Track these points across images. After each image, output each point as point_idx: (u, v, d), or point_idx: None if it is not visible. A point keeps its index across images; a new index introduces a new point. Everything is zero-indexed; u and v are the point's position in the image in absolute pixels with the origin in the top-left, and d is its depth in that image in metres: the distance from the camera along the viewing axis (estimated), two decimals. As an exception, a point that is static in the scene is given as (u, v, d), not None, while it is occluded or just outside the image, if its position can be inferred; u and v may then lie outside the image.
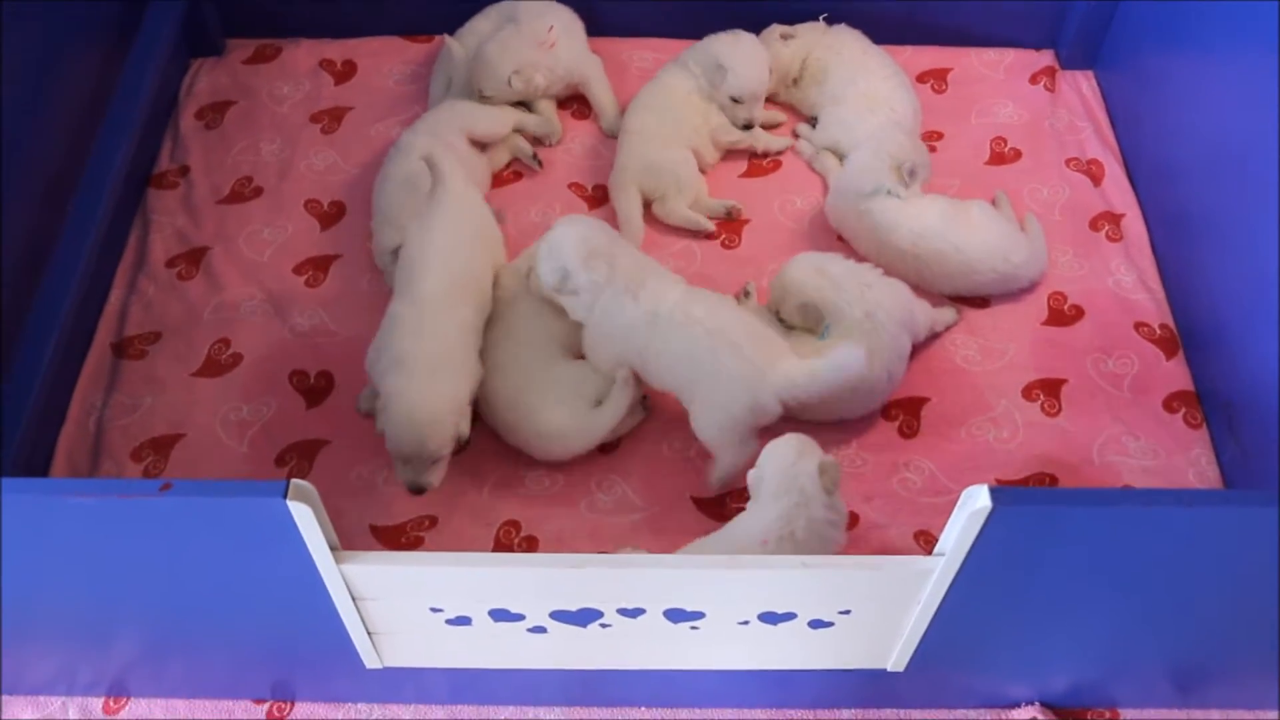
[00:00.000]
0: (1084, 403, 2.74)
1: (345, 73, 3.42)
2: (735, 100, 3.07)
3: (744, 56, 3.05)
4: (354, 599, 1.94)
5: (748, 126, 3.10)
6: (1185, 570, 1.85)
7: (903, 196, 2.84)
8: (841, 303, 2.59)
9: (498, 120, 3.07)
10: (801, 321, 2.65)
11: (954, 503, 2.53)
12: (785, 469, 2.24)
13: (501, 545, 2.52)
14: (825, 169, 3.11)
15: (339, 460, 2.66)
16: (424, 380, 2.41)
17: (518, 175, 3.17)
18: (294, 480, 1.68)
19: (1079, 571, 1.85)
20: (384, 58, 3.46)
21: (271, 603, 2.00)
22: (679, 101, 3.09)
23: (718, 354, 2.41)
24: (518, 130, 3.14)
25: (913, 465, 2.64)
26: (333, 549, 1.82)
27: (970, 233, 2.82)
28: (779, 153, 3.19)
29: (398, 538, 2.54)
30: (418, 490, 2.42)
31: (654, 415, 2.69)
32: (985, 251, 2.82)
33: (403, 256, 2.61)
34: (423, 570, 1.87)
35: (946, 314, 2.83)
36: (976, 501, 1.66)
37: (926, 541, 2.52)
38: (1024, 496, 1.68)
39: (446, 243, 2.59)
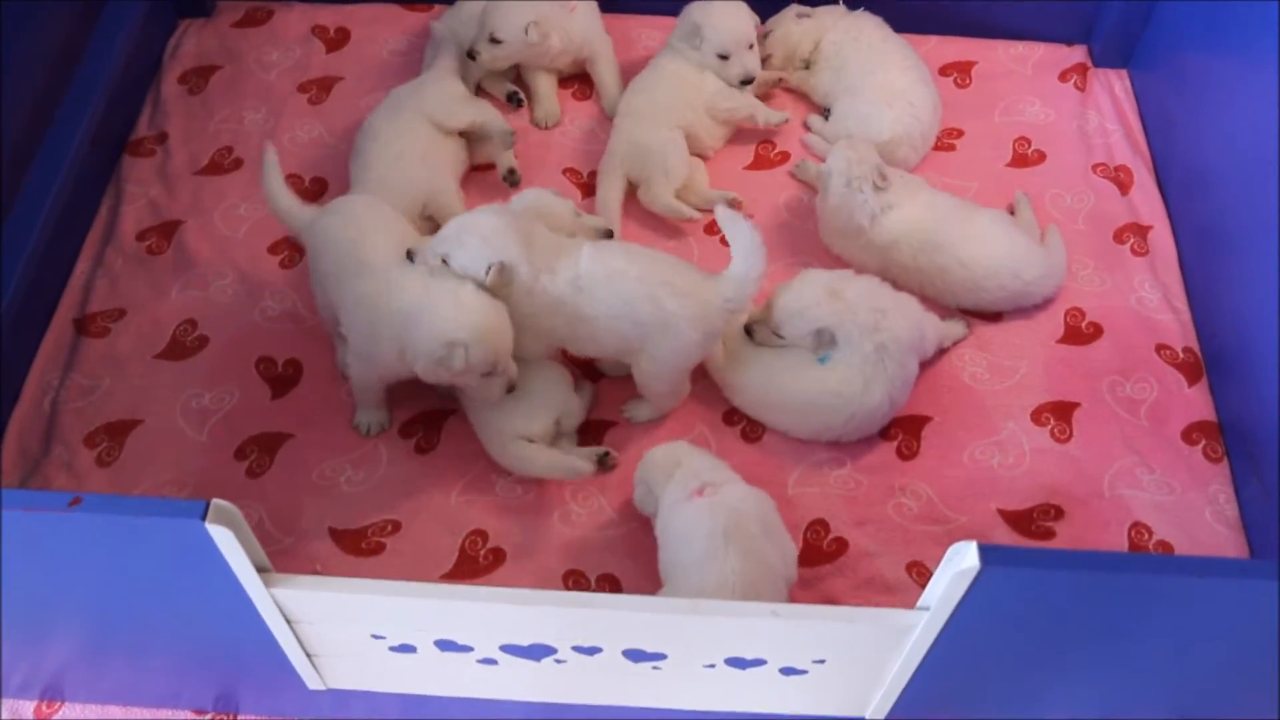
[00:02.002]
0: (1097, 429, 2.58)
1: (338, 40, 3.26)
2: (722, 58, 2.91)
3: (717, 10, 2.92)
4: (288, 621, 1.80)
5: (746, 82, 2.94)
6: (1188, 635, 1.69)
7: (893, 205, 2.67)
8: (855, 333, 2.43)
9: (457, 114, 2.85)
10: (812, 346, 2.48)
11: (951, 534, 2.44)
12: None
13: (466, 556, 2.38)
14: (810, 178, 2.95)
15: (302, 456, 2.52)
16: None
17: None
18: (214, 501, 1.55)
19: (1074, 632, 1.70)
20: (380, 26, 3.30)
21: (205, 619, 1.87)
22: (669, 79, 2.93)
23: (656, 298, 2.34)
24: (478, 130, 2.89)
25: (910, 490, 2.48)
26: (261, 571, 1.68)
27: (977, 245, 2.65)
28: (778, 126, 3.00)
29: (357, 542, 2.40)
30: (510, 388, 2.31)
31: (635, 426, 2.54)
32: (993, 267, 2.65)
33: None
34: (360, 599, 1.72)
35: (955, 328, 2.66)
36: (963, 560, 1.51)
37: (919, 574, 2.36)
38: (1015, 557, 1.51)
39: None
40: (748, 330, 2.55)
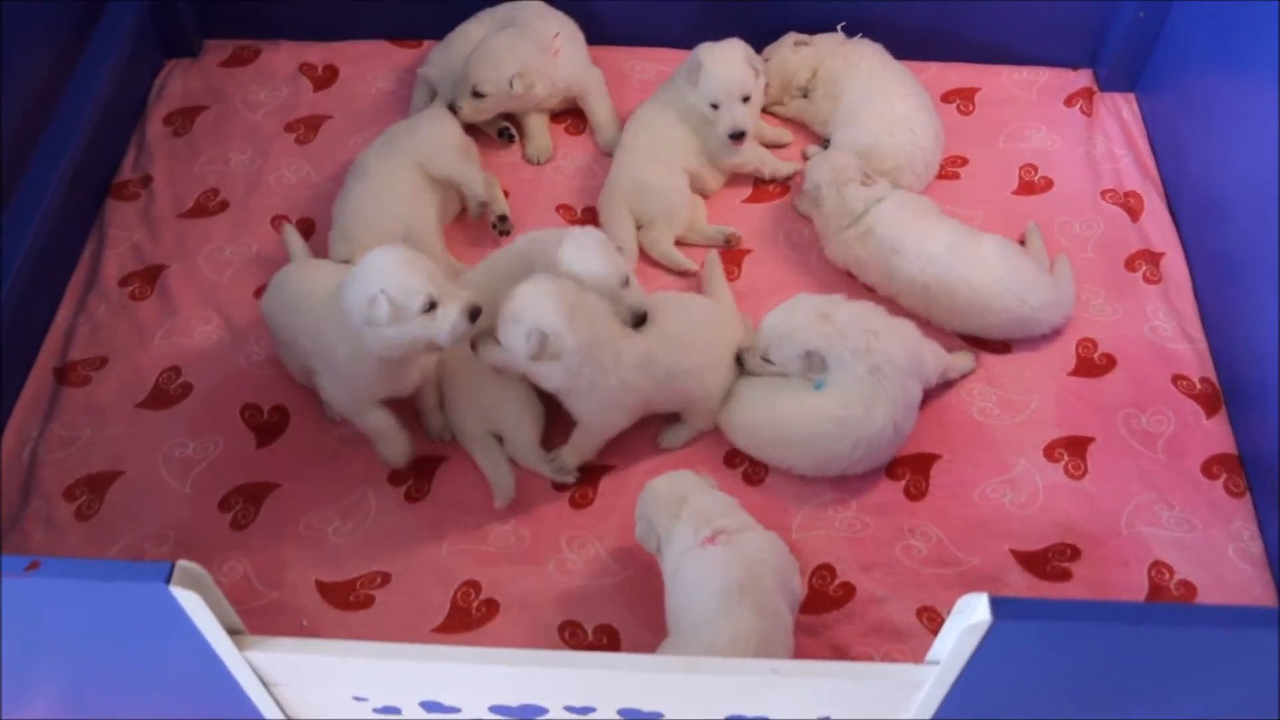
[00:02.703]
0: (1112, 464, 2.48)
1: (326, 78, 3.20)
2: (714, 106, 2.78)
3: (719, 55, 2.78)
4: (265, 684, 1.71)
5: (737, 136, 2.79)
6: (1218, 689, 1.59)
7: (886, 195, 2.67)
8: (846, 355, 2.35)
9: (439, 163, 2.76)
10: (802, 370, 2.40)
11: (963, 576, 2.34)
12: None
13: (459, 608, 2.29)
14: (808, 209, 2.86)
15: (288, 506, 2.44)
16: None
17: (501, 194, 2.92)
18: (180, 563, 1.47)
19: (1094, 687, 1.60)
20: (368, 63, 3.23)
21: (177, 684, 1.79)
22: (677, 118, 2.84)
23: (715, 346, 2.44)
24: (459, 187, 2.80)
25: (919, 531, 2.38)
26: (234, 633, 1.59)
27: (984, 267, 2.58)
28: (787, 178, 2.93)
29: (345, 595, 2.31)
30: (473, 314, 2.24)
31: (632, 468, 2.45)
32: (998, 289, 2.58)
33: None
34: (339, 662, 1.63)
35: (963, 360, 2.57)
36: (974, 614, 1.41)
37: (930, 620, 2.26)
38: (1030, 609, 1.42)
39: None
40: (737, 359, 2.48)
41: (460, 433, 2.47)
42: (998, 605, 1.40)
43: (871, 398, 2.33)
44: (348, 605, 2.30)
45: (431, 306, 2.19)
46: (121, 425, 2.54)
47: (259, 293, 2.73)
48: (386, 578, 2.33)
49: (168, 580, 1.45)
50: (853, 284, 2.72)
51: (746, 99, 2.78)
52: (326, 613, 2.29)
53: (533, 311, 2.21)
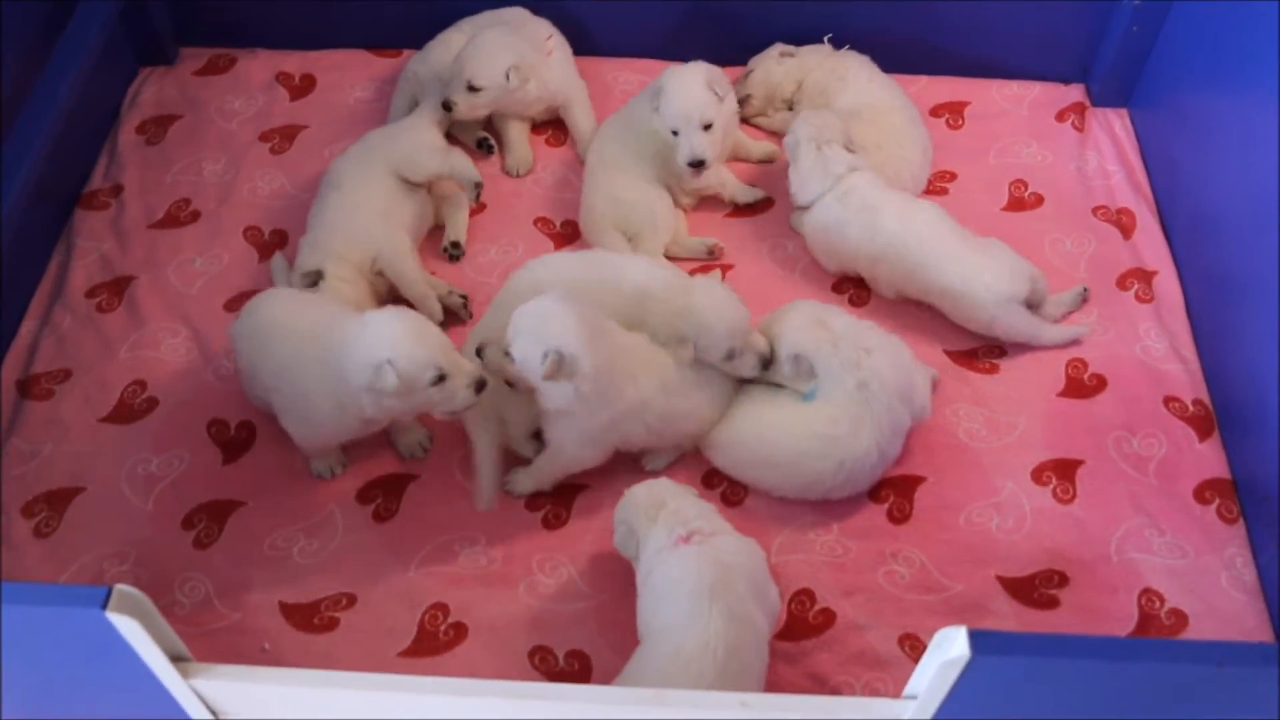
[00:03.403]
0: (1102, 489, 2.41)
1: (303, 87, 3.13)
2: (674, 133, 2.69)
3: (679, 80, 2.67)
4: (213, 714, 1.63)
5: (696, 165, 2.68)
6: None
7: (864, 168, 2.64)
8: (835, 365, 2.30)
9: (424, 164, 2.71)
10: (790, 376, 2.34)
11: (947, 603, 2.27)
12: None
13: (426, 632, 2.22)
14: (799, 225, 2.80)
15: (253, 524, 2.36)
16: None
17: (479, 207, 2.86)
18: (118, 587, 1.39)
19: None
20: (346, 72, 3.17)
21: (122, 711, 1.69)
22: (642, 135, 2.75)
23: (716, 383, 2.38)
24: (446, 179, 2.77)
25: (901, 556, 2.31)
26: (178, 660, 1.51)
27: (967, 248, 2.58)
28: (750, 204, 2.86)
29: (309, 617, 2.24)
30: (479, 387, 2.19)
31: (607, 488, 2.37)
32: (975, 270, 2.54)
33: None
34: (291, 691, 1.56)
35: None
36: (952, 649, 1.34)
37: (913, 648, 2.19)
38: (1010, 644, 1.35)
39: None
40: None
41: (470, 419, 2.36)
42: (977, 639, 1.33)
43: (858, 417, 2.28)
44: (312, 627, 2.22)
45: (440, 379, 2.12)
46: (84, 440, 2.48)
47: (230, 305, 2.67)
48: (352, 599, 2.26)
49: (104, 606, 1.37)
50: (839, 303, 2.65)
51: (708, 126, 2.67)
52: (290, 635, 2.22)
53: (554, 331, 2.14)
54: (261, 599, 2.26)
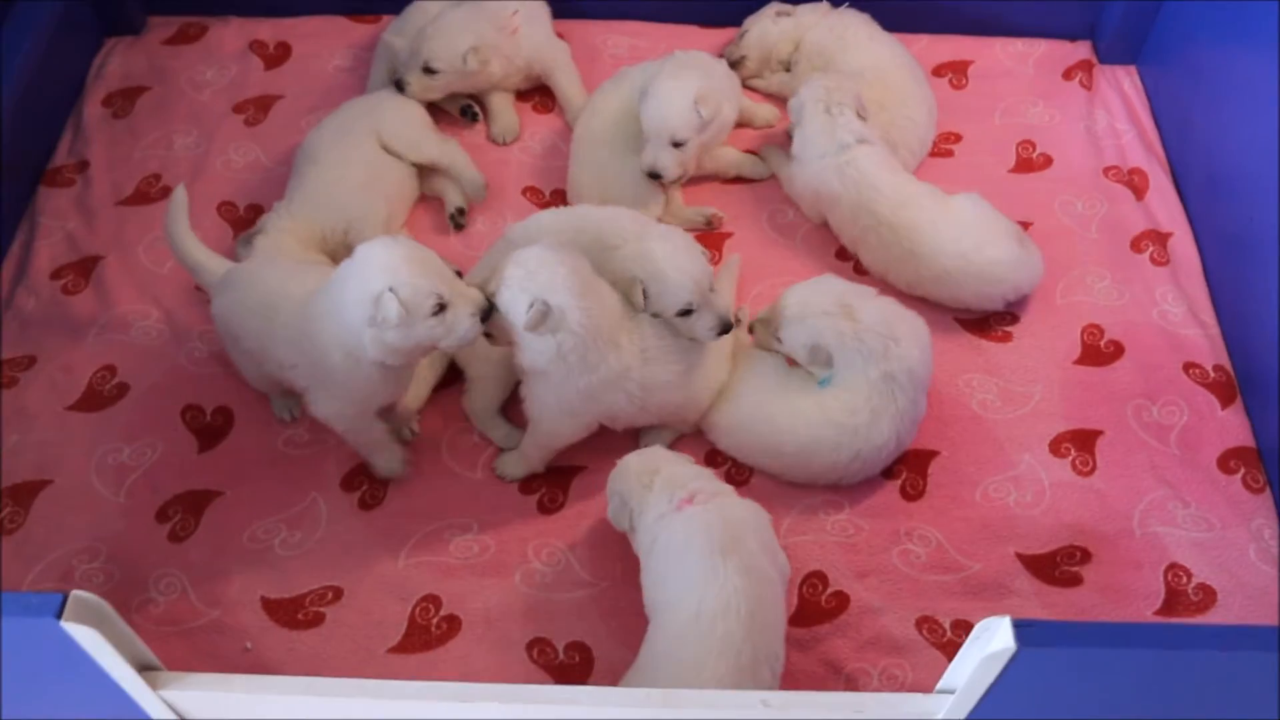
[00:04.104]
0: (1123, 460, 2.32)
1: (278, 56, 3.00)
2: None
3: (667, 89, 2.53)
4: (188, 724, 1.51)
5: (654, 177, 2.56)
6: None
7: (874, 140, 2.53)
8: (857, 357, 2.18)
9: (421, 148, 2.62)
10: (807, 360, 2.23)
11: (965, 583, 2.16)
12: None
13: (417, 626, 2.10)
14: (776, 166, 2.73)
15: (231, 516, 2.25)
16: None
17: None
18: (74, 593, 1.27)
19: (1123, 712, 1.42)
20: (323, 39, 3.04)
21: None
22: (632, 105, 2.61)
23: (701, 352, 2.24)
24: (448, 171, 2.66)
25: (917, 534, 2.20)
26: (146, 670, 1.39)
27: (948, 213, 2.47)
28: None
29: (293, 613, 2.12)
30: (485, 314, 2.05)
31: (605, 469, 2.25)
32: (958, 232, 2.44)
33: None
34: (268, 700, 1.44)
35: None
36: (995, 640, 1.22)
37: (931, 631, 2.08)
38: (1059, 635, 1.23)
39: None
40: (750, 329, 2.33)
41: (465, 355, 2.29)
42: (1022, 631, 1.21)
43: (880, 408, 2.17)
44: (296, 624, 2.11)
45: (441, 308, 1.99)
46: (50, 430, 2.36)
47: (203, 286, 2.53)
48: (338, 593, 2.14)
49: (59, 615, 1.25)
50: (843, 272, 2.54)
51: (680, 144, 2.54)
52: (273, 632, 2.10)
53: (542, 281, 2.02)
54: (242, 594, 2.14)
